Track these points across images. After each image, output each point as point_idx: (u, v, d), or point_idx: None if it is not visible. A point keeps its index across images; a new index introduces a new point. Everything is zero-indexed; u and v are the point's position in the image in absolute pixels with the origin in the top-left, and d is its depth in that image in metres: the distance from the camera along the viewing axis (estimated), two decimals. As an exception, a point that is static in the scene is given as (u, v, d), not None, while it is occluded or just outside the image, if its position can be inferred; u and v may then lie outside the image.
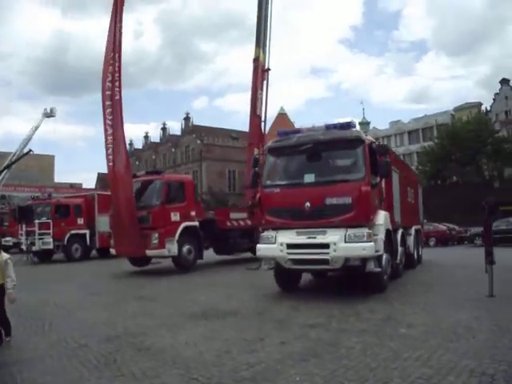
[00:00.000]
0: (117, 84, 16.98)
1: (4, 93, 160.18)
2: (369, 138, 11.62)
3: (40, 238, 24.65)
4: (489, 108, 71.06)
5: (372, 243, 10.42)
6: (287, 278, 12.13)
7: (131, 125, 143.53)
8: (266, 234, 11.47)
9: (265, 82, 24.05)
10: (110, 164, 16.72)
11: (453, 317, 8.49)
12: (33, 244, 24.59)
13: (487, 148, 60.69)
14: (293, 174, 11.71)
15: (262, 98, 23.71)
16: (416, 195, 18.87)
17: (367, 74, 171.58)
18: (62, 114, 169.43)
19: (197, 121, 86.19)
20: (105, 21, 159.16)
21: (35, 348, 7.31)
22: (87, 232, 26.23)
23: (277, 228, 11.28)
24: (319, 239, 10.63)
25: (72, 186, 71.07)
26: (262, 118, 23.81)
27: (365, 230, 10.50)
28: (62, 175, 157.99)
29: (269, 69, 24.11)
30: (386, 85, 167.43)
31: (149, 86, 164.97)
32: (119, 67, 17.15)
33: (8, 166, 48.05)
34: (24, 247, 25.44)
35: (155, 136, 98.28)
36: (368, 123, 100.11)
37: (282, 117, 78.78)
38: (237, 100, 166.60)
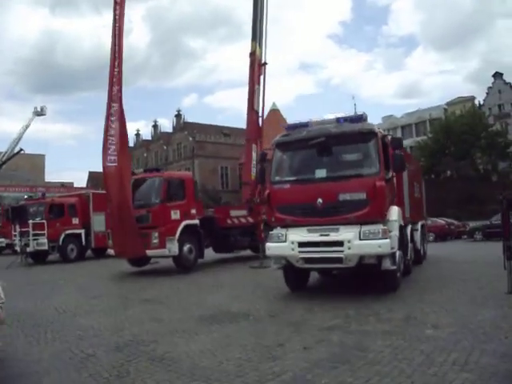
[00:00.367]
0: (117, 81, 16.42)
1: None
2: (381, 131, 11.18)
3: (34, 239, 23.89)
4: (482, 102, 70.89)
5: (388, 240, 9.99)
6: (296, 277, 11.70)
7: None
8: (275, 231, 10.99)
9: (261, 77, 23.51)
10: (111, 164, 16.13)
11: (477, 316, 8.16)
12: (27, 245, 23.88)
13: (481, 142, 60.90)
14: (303, 169, 11.25)
15: (259, 93, 23.17)
16: (421, 189, 18.48)
17: (357, 70, 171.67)
18: (50, 112, 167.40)
19: (187, 118, 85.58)
20: (94, 19, 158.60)
21: (39, 359, 6.76)
22: (82, 232, 25.58)
23: (287, 225, 10.81)
24: (333, 236, 10.18)
25: (63, 185, 70.19)
26: (260, 113, 23.27)
27: (380, 227, 10.10)
28: (52, 174, 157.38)
29: (265, 63, 23.55)
30: (376, 80, 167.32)
31: (138, 84, 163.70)
32: (120, 64, 16.57)
33: (-1, 166, 47.42)
34: (18, 248, 24.73)
35: (146, 134, 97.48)
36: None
37: (275, 112, 77.82)
38: (226, 97, 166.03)
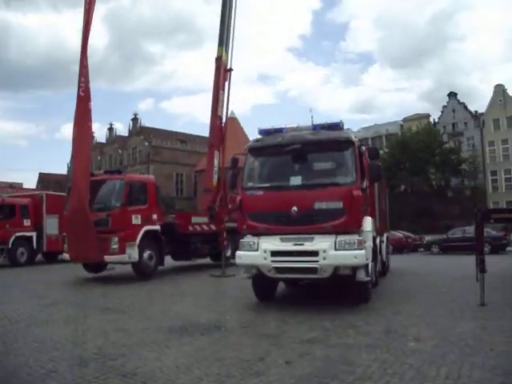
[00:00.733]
0: (83, 80, 15.70)
1: None
2: (357, 140, 10.90)
3: (-19, 240, 22.68)
4: (437, 120, 72.13)
5: (363, 251, 9.72)
6: (265, 287, 11.30)
7: (71, 125, 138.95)
8: (246, 240, 10.55)
9: (227, 83, 23.08)
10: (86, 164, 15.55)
11: (456, 328, 8.13)
12: (-27, 246, 22.74)
13: (435, 158, 61.97)
14: (277, 175, 10.86)
15: (223, 99, 22.73)
16: (386, 201, 18.34)
17: (314, 83, 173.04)
18: (0, 110, 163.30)
19: (143, 122, 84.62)
20: (51, 16, 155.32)
21: (-7, 376, 6.08)
22: (34, 234, 24.44)
23: (258, 234, 10.37)
24: (307, 246, 9.81)
25: (12, 185, 67.99)
26: (223, 120, 22.81)
27: (355, 237, 9.83)
28: (1, 174, 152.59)
29: (231, 69, 23.13)
30: (333, 94, 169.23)
31: (93, 86, 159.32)
32: (86, 63, 15.89)
33: None
34: (-37, 251, 23.51)
35: (100, 136, 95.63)
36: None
37: (233, 121, 77.18)
38: (183, 103, 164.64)
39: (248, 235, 10.67)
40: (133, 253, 15.43)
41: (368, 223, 10.60)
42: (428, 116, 74.41)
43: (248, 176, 11.02)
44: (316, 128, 10.79)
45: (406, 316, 9.28)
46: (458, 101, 71.03)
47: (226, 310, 10.32)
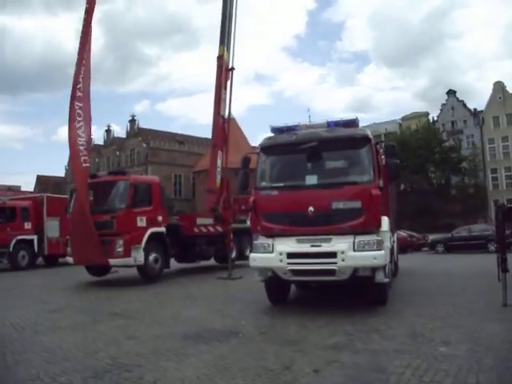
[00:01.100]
0: (87, 81, 15.42)
1: None
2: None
3: (-18, 244, 22.26)
4: (435, 118, 71.94)
5: (383, 251, 9.37)
6: (278, 290, 10.92)
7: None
8: (260, 241, 10.14)
9: (229, 82, 22.69)
10: (85, 164, 15.24)
11: (484, 330, 7.80)
12: (-26, 250, 22.30)
13: (435, 157, 61.77)
14: (292, 175, 10.45)
15: (225, 98, 22.34)
16: (395, 200, 18.00)
17: (310, 83, 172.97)
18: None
19: (139, 124, 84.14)
20: (47, 19, 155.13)
21: (2, 390, 5.68)
22: (35, 238, 24.02)
23: (273, 235, 9.99)
24: (325, 247, 9.44)
25: (10, 188, 67.49)
26: (226, 119, 22.43)
27: (374, 237, 9.47)
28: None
29: (233, 68, 22.72)
30: (329, 94, 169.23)
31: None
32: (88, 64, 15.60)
33: None
34: (-37, 254, 23.06)
35: (98, 138, 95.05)
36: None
37: (231, 121, 77.41)
38: (179, 105, 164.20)
39: (261, 237, 10.28)
40: (138, 256, 15.01)
41: (385, 223, 10.24)
42: (427, 114, 74.25)
43: (261, 176, 10.63)
44: (330, 125, 10.40)
45: (428, 318, 8.92)
46: (457, 98, 70.91)
47: (240, 315, 9.93)
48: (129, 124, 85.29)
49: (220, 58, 22.02)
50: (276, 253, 9.68)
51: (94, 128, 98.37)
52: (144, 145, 79.74)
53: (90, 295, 13.72)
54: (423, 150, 60.61)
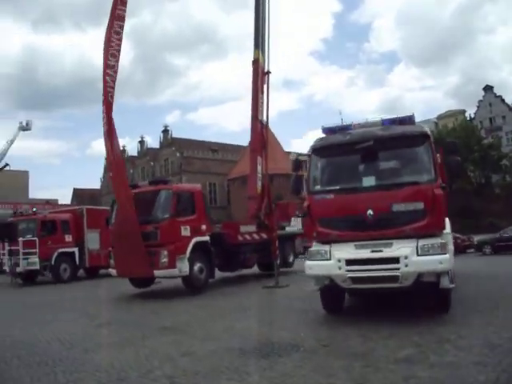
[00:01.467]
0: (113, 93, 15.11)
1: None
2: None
3: (25, 258, 22.17)
4: (472, 115, 70.51)
5: (448, 255, 8.75)
6: (335, 298, 10.33)
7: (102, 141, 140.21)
8: (315, 248, 9.60)
9: (265, 86, 22.26)
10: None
11: None
12: (17, 265, 22.19)
13: (474, 155, 60.29)
14: (348, 176, 9.93)
15: (263, 102, 21.91)
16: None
17: (339, 86, 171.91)
18: (33, 129, 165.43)
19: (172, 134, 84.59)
20: (75, 36, 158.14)
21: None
22: (76, 250, 23.89)
23: (329, 241, 9.45)
24: (387, 253, 8.85)
25: (48, 202, 68.20)
26: (264, 124, 21.98)
27: (438, 240, 8.84)
28: (35, 191, 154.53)
29: (269, 71, 22.32)
30: (358, 96, 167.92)
31: (120, 101, 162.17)
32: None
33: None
34: (7, 268, 23.00)
35: (131, 150, 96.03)
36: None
37: (264, 127, 77.44)
38: (210, 114, 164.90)
39: (316, 243, 9.75)
40: (183, 266, 14.55)
41: (447, 224, 9.66)
42: (463, 112, 72.94)
43: (314, 179, 10.11)
44: (385, 123, 9.87)
45: (501, 327, 8.25)
46: (495, 94, 69.41)
47: (296, 326, 9.41)
48: (162, 134, 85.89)
49: (255, 61, 21.64)
50: (334, 260, 9.15)
51: (127, 140, 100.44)
52: (178, 154, 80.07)
53: (136, 308, 13.36)
54: (462, 148, 59.26)
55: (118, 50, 15.51)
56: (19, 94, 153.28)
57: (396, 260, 8.72)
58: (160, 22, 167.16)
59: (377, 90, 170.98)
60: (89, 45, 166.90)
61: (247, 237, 18.11)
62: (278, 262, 19.20)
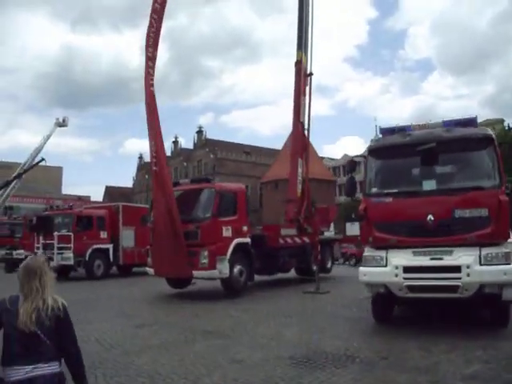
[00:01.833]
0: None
1: (12, 106, 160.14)
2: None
3: (59, 253, 21.96)
4: (511, 125, 68.84)
5: None
6: (386, 307, 9.83)
7: (137, 140, 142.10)
8: (370, 254, 9.11)
9: (307, 88, 21.84)
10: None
11: None
12: (51, 259, 21.90)
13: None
14: (407, 179, 9.47)
15: (305, 104, 21.48)
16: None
17: (373, 93, 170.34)
18: (69, 127, 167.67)
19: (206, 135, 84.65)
20: (112, 37, 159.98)
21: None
22: (111, 247, 23.58)
23: (385, 247, 8.93)
24: (447, 261, 8.36)
25: (80, 198, 68.68)
26: (305, 126, 21.54)
27: (502, 249, 8.36)
28: (68, 188, 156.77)
29: (311, 73, 21.91)
30: (392, 103, 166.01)
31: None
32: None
33: (19, 175, 45.72)
34: (41, 263, 22.79)
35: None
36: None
37: (299, 131, 77.05)
38: (242, 117, 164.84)
39: (369, 248, 9.25)
40: (223, 268, 14.07)
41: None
42: (502, 121, 71.16)
43: (371, 181, 9.61)
44: (446, 125, 9.36)
45: None
46: (536, 104, 67.62)
47: (348, 335, 8.93)
48: (196, 135, 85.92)
49: (298, 63, 21.34)
50: (391, 267, 8.65)
51: None
52: (211, 156, 79.96)
53: (176, 309, 12.92)
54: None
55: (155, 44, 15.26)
56: (56, 92, 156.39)
57: (457, 269, 8.22)
58: (196, 24, 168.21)
59: (410, 97, 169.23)
60: (125, 46, 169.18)
61: (288, 240, 17.60)
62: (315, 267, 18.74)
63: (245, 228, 15.29)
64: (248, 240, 15.34)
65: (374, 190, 9.50)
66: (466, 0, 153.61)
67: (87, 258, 22.40)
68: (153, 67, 14.98)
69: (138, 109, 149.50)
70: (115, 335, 9.49)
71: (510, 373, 6.26)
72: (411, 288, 8.53)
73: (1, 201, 47.24)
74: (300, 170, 20.78)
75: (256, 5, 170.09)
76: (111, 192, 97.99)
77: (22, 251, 29.87)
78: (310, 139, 21.81)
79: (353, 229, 26.32)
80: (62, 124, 53.65)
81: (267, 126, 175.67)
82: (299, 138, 21.11)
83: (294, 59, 21.40)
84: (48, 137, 50.69)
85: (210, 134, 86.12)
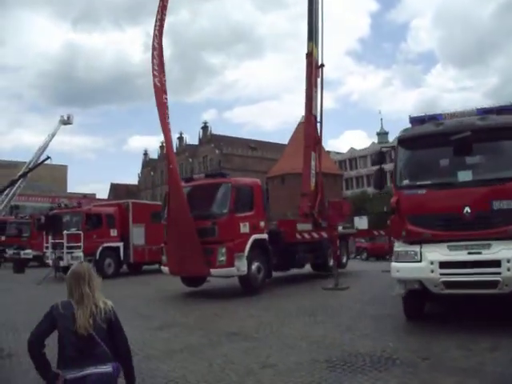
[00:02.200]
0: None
1: (15, 105, 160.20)
2: None
3: (69, 252, 21.50)
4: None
5: None
6: (418, 304, 9.38)
7: (140, 137, 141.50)
8: (403, 249, 8.66)
9: (319, 80, 21.42)
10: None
11: None
12: (60, 258, 21.57)
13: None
14: (440, 170, 9.02)
15: (316, 97, 21.06)
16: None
17: (375, 86, 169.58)
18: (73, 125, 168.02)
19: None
20: (114, 34, 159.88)
21: None
22: (121, 245, 23.12)
23: (417, 241, 8.48)
24: (486, 255, 7.90)
25: (86, 196, 68.41)
26: (318, 119, 21.12)
27: None
28: (73, 186, 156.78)
29: (323, 64, 21.48)
30: (395, 96, 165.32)
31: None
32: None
33: (25, 174, 45.51)
34: (50, 262, 22.40)
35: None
36: (386, 133, 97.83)
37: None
38: (245, 112, 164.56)
39: (401, 243, 8.81)
40: (242, 265, 13.62)
41: None
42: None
43: (402, 172, 9.16)
44: (479, 112, 8.95)
45: None
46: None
47: (379, 334, 8.47)
48: (201, 131, 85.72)
49: (309, 54, 20.95)
50: (426, 262, 8.21)
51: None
52: (217, 151, 79.70)
53: (192, 309, 12.41)
54: None
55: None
56: (58, 90, 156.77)
57: (497, 263, 7.80)
58: (197, 20, 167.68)
59: (413, 90, 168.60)
60: (127, 43, 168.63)
61: (305, 235, 17.16)
62: (332, 262, 18.34)
63: (262, 223, 14.84)
64: (265, 236, 14.92)
65: (406, 181, 9.06)
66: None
67: (97, 257, 21.88)
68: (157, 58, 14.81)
69: (141, 105, 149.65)
70: (134, 339, 8.89)
71: None
72: (448, 284, 8.10)
73: (7, 200, 47.14)
74: (313, 164, 20.37)
75: (257, 0, 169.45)
76: (117, 189, 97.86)
77: (29, 251, 29.73)
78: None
79: (361, 223, 25.84)
80: (66, 121, 53.50)
81: (271, 121, 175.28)
82: (312, 131, 20.69)
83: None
84: (53, 135, 50.59)
85: (214, 130, 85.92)
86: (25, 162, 51.24)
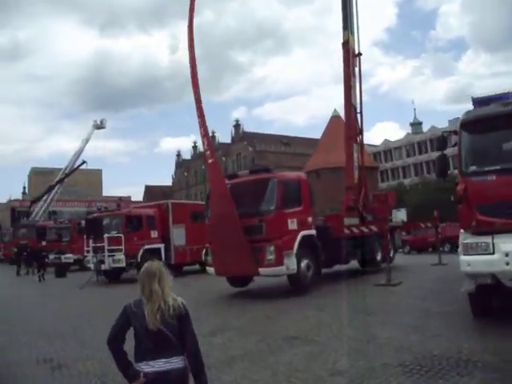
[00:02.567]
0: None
1: (49, 114, 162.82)
2: None
3: (110, 255, 21.37)
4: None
5: None
6: (487, 300, 8.72)
7: (171, 138, 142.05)
8: (473, 240, 8.03)
9: (357, 69, 20.86)
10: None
11: None
12: (102, 262, 21.41)
13: None
14: (510, 154, 8.27)
15: (355, 87, 20.49)
16: None
17: (405, 76, 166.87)
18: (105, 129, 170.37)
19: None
20: (140, 38, 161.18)
21: None
22: (162, 246, 22.85)
23: (488, 232, 7.85)
24: None
25: (121, 199, 68.97)
26: (358, 109, 20.53)
27: None
28: (108, 189, 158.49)
29: (360, 53, 20.92)
30: (426, 86, 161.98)
31: (185, 100, 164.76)
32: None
33: (62, 180, 45.97)
34: (91, 266, 22.28)
35: (202, 146, 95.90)
36: (420, 123, 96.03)
37: (337, 119, 75.23)
38: (275, 109, 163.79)
39: (469, 234, 8.19)
40: (291, 263, 13.09)
41: None
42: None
43: (467, 158, 8.51)
44: None
45: None
46: None
47: (451, 334, 7.90)
48: (233, 129, 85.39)
49: (346, 43, 20.45)
50: (500, 254, 7.58)
51: (195, 137, 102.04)
52: (250, 148, 79.34)
53: (243, 311, 11.93)
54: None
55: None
56: (89, 96, 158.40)
57: None
58: (222, 20, 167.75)
59: (444, 78, 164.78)
60: (154, 46, 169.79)
61: (354, 230, 16.58)
62: (379, 257, 17.77)
63: (310, 219, 14.28)
64: (313, 232, 14.36)
65: (473, 168, 8.40)
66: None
67: (139, 259, 21.47)
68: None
69: (171, 108, 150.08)
70: (188, 344, 8.62)
71: None
72: None
73: (45, 206, 47.59)
74: (355, 156, 19.80)
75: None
76: (151, 191, 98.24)
77: (70, 255, 29.77)
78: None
79: (400, 215, 25.06)
80: (99, 126, 53.68)
81: (301, 116, 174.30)
82: (352, 122, 20.14)
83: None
84: (87, 140, 50.79)
85: (245, 128, 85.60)
86: (61, 168, 51.61)
